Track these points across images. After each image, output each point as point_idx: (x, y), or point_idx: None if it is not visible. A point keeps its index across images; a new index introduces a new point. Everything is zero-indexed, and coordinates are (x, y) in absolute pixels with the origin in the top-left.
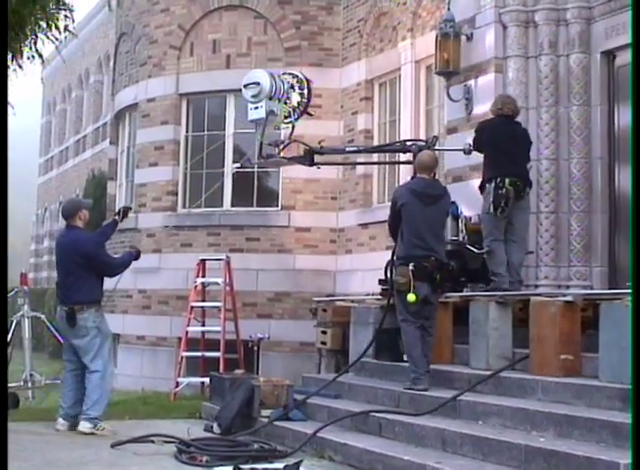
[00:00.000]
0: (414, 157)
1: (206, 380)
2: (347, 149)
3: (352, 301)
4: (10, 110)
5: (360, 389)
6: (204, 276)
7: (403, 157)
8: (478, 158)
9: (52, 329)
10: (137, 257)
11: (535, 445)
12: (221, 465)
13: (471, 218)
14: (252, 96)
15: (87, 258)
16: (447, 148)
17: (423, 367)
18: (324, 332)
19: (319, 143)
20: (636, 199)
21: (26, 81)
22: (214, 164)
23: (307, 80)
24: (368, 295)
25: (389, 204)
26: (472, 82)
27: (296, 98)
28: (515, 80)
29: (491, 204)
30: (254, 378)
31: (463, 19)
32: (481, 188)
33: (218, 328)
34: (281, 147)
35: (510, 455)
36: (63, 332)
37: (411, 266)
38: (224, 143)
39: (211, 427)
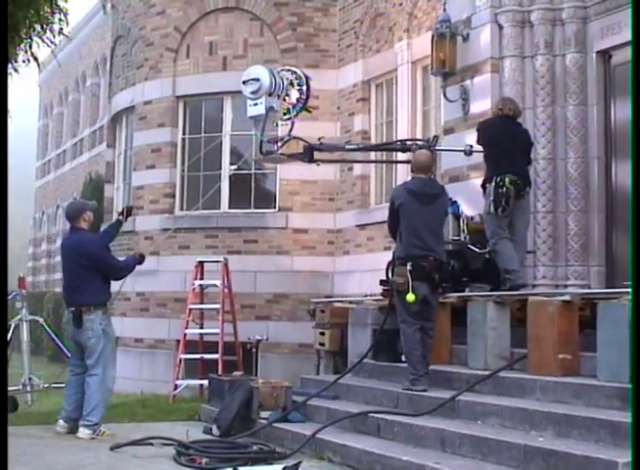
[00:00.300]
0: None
1: (205, 382)
2: (347, 147)
3: (350, 302)
4: None
5: (359, 390)
6: (202, 278)
7: (403, 156)
8: (475, 158)
9: (50, 333)
10: (141, 261)
11: (534, 444)
12: (220, 467)
13: (472, 218)
14: (252, 92)
15: (92, 261)
16: (448, 148)
17: (422, 369)
18: (322, 333)
19: (319, 140)
20: (636, 198)
21: (23, 85)
22: (211, 166)
23: (306, 77)
24: (366, 296)
25: (387, 205)
26: (468, 82)
27: (294, 95)
28: (511, 80)
29: (492, 203)
30: (253, 380)
31: (459, 19)
32: (484, 188)
33: (217, 330)
34: (280, 144)
35: (509, 455)
36: (71, 334)
37: (409, 266)
38: (221, 145)
39: (210, 429)
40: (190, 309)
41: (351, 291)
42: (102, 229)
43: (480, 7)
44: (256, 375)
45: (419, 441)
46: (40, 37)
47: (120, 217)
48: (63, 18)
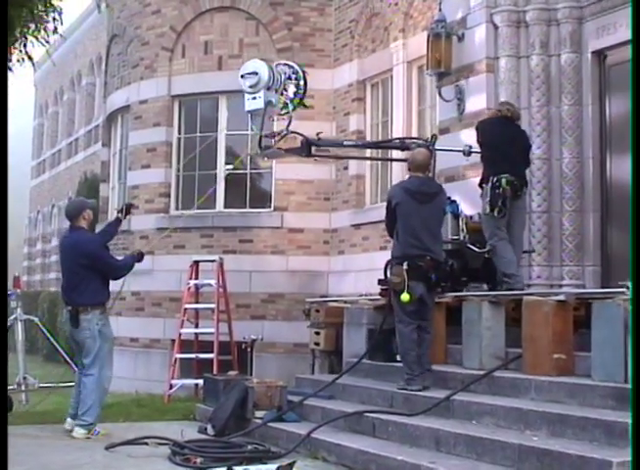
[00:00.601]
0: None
1: (200, 382)
2: (345, 143)
3: (345, 301)
4: None
5: (354, 389)
6: (197, 278)
7: (400, 155)
8: (471, 158)
9: (45, 332)
10: (140, 259)
11: (529, 444)
12: (215, 466)
13: (471, 217)
14: (250, 86)
15: (90, 260)
16: (447, 148)
17: (417, 369)
18: (317, 333)
19: (317, 135)
20: (636, 198)
21: (18, 84)
22: (207, 165)
23: (303, 71)
24: (361, 295)
25: (382, 204)
26: (463, 82)
27: (292, 89)
28: (506, 80)
29: (488, 204)
30: (248, 379)
31: (454, 19)
32: (481, 188)
33: (212, 330)
34: (278, 138)
35: (503, 455)
36: (69, 334)
37: (405, 266)
38: (216, 144)
39: (205, 428)
40: (185, 309)
41: (346, 290)
42: (101, 228)
43: (476, 7)
44: (251, 375)
45: (414, 440)
46: (35, 36)
47: (119, 215)
48: (57, 17)
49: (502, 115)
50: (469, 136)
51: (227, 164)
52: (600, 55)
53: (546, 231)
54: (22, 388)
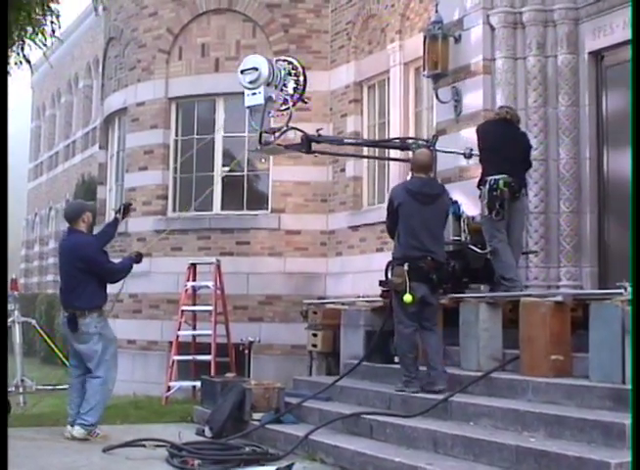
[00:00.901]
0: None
1: (198, 384)
2: (345, 141)
3: (343, 303)
4: None
5: (351, 391)
6: (194, 280)
7: (398, 154)
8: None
9: (43, 334)
10: (139, 260)
11: (526, 445)
12: (213, 469)
13: (473, 218)
14: (250, 82)
15: (87, 264)
16: (448, 150)
17: (414, 371)
18: (315, 334)
19: (317, 131)
20: (636, 200)
21: (16, 86)
22: (204, 167)
23: (302, 67)
24: (359, 297)
25: (379, 206)
26: (460, 84)
27: (291, 85)
28: (503, 81)
29: (486, 206)
30: (246, 381)
31: (451, 20)
32: (480, 189)
33: (209, 332)
34: (277, 134)
35: (501, 456)
36: (66, 337)
37: (406, 267)
38: (213, 146)
39: (203, 431)
40: (182, 311)
41: (344, 292)
42: (99, 229)
43: (472, 8)
44: (249, 376)
45: (411, 442)
46: (32, 39)
47: (117, 215)
48: (54, 20)
49: (500, 117)
50: (466, 138)
51: (224, 166)
52: (597, 56)
53: (543, 232)
54: (20, 390)
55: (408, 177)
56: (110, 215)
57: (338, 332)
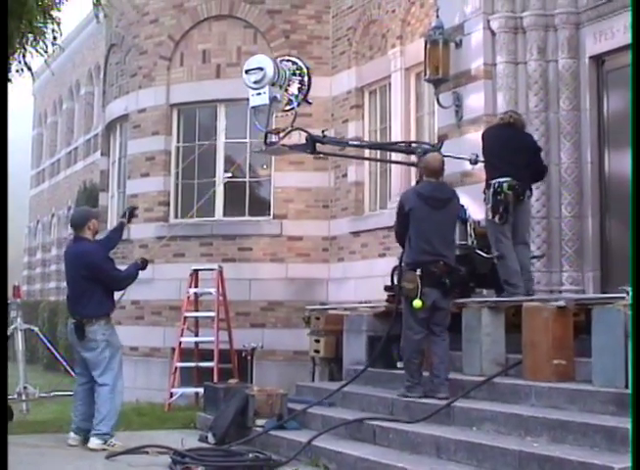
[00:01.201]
0: (419, 159)
1: (201, 390)
2: (350, 143)
3: (345, 309)
4: None
5: (354, 396)
6: (196, 286)
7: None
8: (468, 165)
9: (46, 341)
10: (144, 267)
11: (529, 450)
12: None
13: (479, 222)
14: (255, 82)
15: (93, 272)
16: (453, 155)
17: (418, 377)
18: (317, 340)
19: (322, 132)
20: (636, 203)
21: (17, 94)
22: (206, 173)
23: (307, 68)
24: (361, 302)
25: (381, 211)
26: (461, 89)
27: (295, 85)
28: (504, 86)
29: (490, 210)
30: (248, 387)
31: (452, 25)
32: (485, 194)
33: (212, 338)
34: (282, 135)
35: (504, 461)
36: (73, 345)
37: (418, 272)
38: (215, 153)
39: (206, 437)
40: (185, 317)
41: (346, 298)
42: (104, 235)
43: (473, 13)
44: (252, 383)
45: (414, 447)
46: (34, 47)
47: (123, 220)
48: (56, 28)
49: (504, 122)
50: (467, 143)
51: (226, 171)
52: (597, 60)
53: (545, 237)
54: (23, 397)
55: (412, 183)
56: (112, 223)
57: (340, 338)
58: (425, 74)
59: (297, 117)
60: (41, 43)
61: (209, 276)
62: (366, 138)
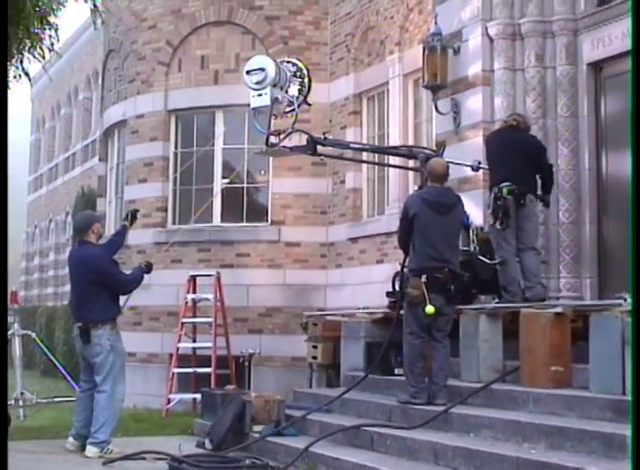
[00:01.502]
0: (421, 164)
1: (198, 396)
2: (352, 145)
3: (343, 315)
4: None
5: (352, 403)
6: (194, 292)
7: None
8: (466, 171)
9: (43, 347)
10: (149, 271)
11: (527, 456)
12: None
13: (482, 228)
14: (256, 83)
15: (99, 276)
16: (456, 161)
17: (422, 382)
18: (315, 346)
19: (323, 134)
20: (636, 210)
21: (15, 99)
22: (204, 179)
23: (307, 69)
24: (359, 309)
25: (379, 217)
26: (459, 95)
27: (296, 87)
28: (502, 93)
29: (491, 215)
30: (246, 393)
31: (450, 32)
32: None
33: (209, 344)
34: (282, 136)
35: (502, 468)
36: (78, 351)
37: (424, 278)
38: (213, 158)
39: (203, 443)
40: (182, 323)
41: (344, 304)
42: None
43: (471, 20)
44: (249, 389)
45: (412, 454)
46: (31, 53)
47: (125, 223)
48: (53, 34)
49: (507, 124)
50: (465, 149)
51: (224, 177)
52: (595, 67)
53: (543, 243)
54: (20, 403)
55: (410, 189)
56: (110, 229)
57: (338, 344)
58: (423, 81)
59: (295, 121)
60: (39, 49)
61: (207, 282)
62: None
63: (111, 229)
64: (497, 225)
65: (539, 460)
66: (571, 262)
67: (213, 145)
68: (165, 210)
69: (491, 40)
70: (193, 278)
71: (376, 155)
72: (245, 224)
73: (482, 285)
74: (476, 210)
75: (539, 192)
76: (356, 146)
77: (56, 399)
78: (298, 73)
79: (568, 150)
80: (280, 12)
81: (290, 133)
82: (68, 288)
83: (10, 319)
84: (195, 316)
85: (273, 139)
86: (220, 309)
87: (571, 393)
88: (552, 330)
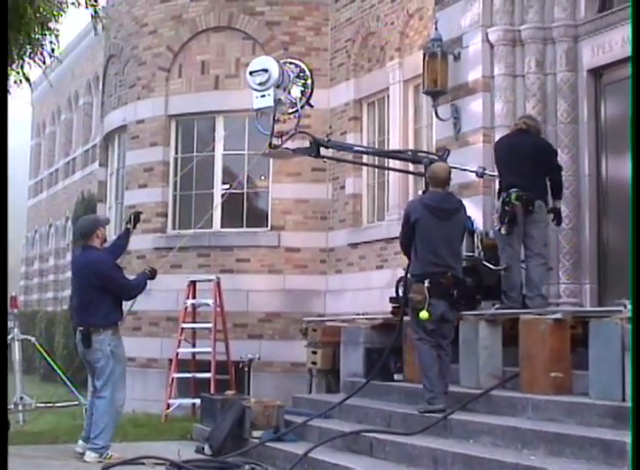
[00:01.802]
0: (425, 169)
1: (197, 401)
2: (355, 148)
3: (342, 320)
4: None
5: (351, 408)
6: (194, 297)
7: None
8: (467, 177)
9: (42, 352)
10: (153, 276)
11: (526, 463)
12: None
13: (487, 234)
14: (260, 83)
15: (102, 281)
16: (460, 167)
17: (439, 387)
18: (314, 352)
19: (326, 136)
20: (636, 217)
21: (16, 104)
22: (204, 185)
23: (310, 71)
24: (358, 314)
25: (379, 223)
26: (460, 101)
27: (299, 88)
28: (502, 99)
29: (498, 220)
30: (245, 399)
31: (450, 38)
32: None
33: (209, 349)
34: (285, 138)
35: None
36: (82, 356)
37: (426, 283)
38: (213, 164)
39: (202, 448)
40: (182, 328)
41: (344, 309)
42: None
43: (472, 26)
44: (249, 394)
45: (411, 460)
46: (32, 58)
47: (129, 226)
48: (53, 40)
49: (517, 128)
50: (466, 155)
51: (224, 183)
52: (596, 73)
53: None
54: (19, 408)
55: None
56: (110, 234)
57: (337, 349)
58: (423, 87)
59: (299, 122)
60: (39, 54)
61: (207, 287)
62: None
63: (111, 234)
64: (502, 231)
65: (539, 467)
66: (571, 269)
67: (213, 149)
68: (165, 215)
69: (492, 46)
70: (193, 283)
71: (377, 159)
72: (245, 230)
73: (487, 291)
74: (476, 215)
75: (549, 197)
76: (360, 149)
77: (56, 405)
78: (301, 75)
79: (568, 156)
80: (280, 17)
81: (293, 134)
82: (67, 293)
83: (10, 324)
84: (194, 321)
85: (276, 141)
86: (220, 315)
87: (571, 399)
88: (552, 336)
